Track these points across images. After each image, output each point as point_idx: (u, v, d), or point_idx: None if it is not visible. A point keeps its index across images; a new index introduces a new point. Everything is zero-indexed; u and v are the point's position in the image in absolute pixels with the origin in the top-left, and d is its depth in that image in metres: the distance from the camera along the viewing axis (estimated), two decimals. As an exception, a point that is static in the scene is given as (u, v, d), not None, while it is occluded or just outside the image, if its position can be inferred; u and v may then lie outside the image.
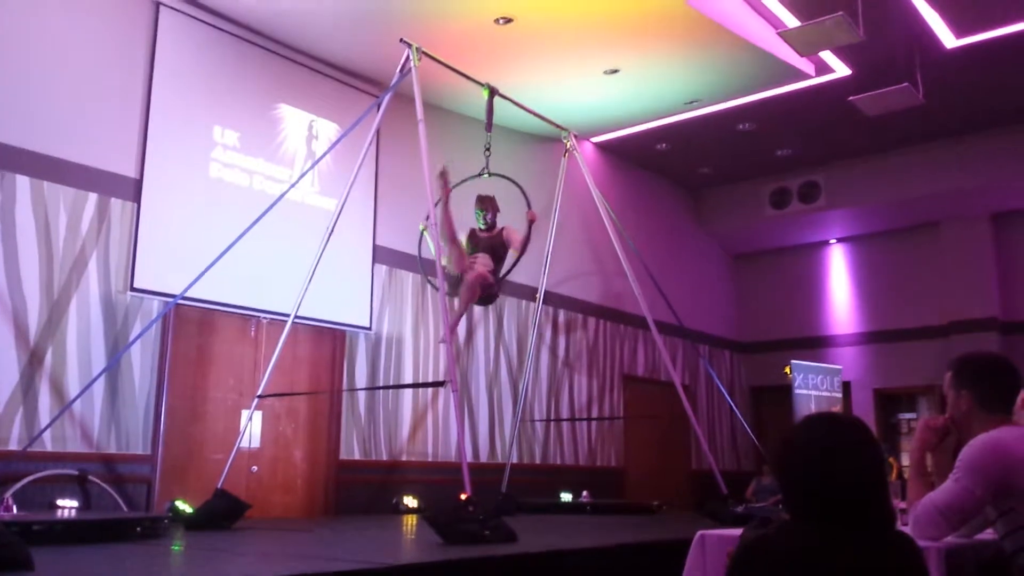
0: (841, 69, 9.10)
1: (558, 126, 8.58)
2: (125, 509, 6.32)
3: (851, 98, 8.81)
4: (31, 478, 5.86)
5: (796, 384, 10.81)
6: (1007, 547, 2.51)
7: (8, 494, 5.55)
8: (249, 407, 6.97)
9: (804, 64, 8.90)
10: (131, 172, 6.85)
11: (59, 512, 5.79)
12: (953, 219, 11.83)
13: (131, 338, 6.53)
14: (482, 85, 7.24)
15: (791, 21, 8.09)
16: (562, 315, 10.49)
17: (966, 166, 10.94)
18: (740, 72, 8.89)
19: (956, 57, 8.72)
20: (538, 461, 9.85)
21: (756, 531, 1.87)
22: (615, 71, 8.79)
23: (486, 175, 7.26)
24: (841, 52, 8.64)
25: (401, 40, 6.66)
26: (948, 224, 11.93)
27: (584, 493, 9.46)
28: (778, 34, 7.73)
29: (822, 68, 9.10)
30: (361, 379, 8.26)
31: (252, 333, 7.61)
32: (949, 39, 8.48)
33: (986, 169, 10.86)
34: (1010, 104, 9.95)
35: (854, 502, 1.65)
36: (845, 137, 10.87)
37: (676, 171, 12.31)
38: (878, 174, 11.51)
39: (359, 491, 8.05)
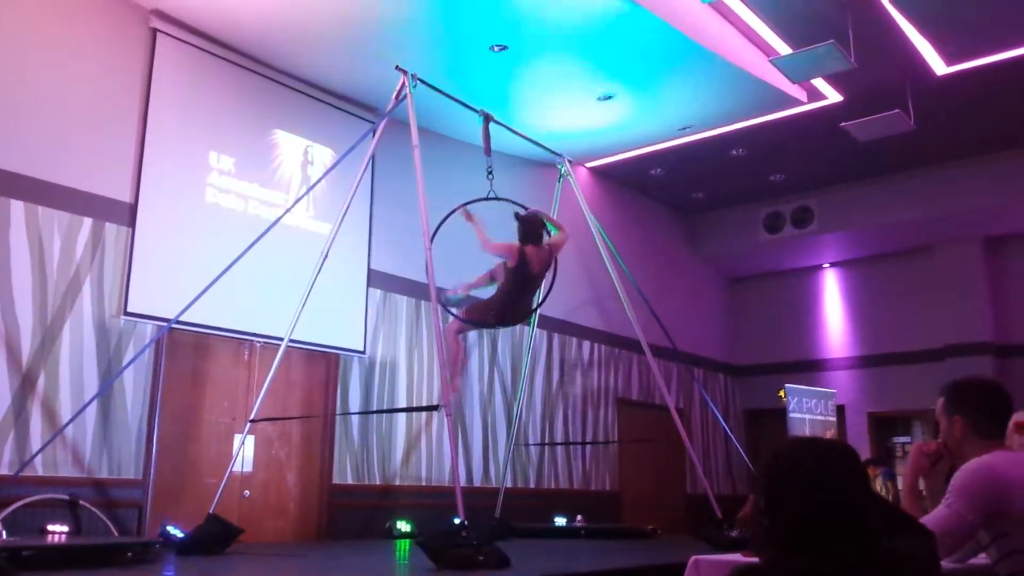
0: (833, 95, 9.18)
1: (553, 152, 8.63)
2: (116, 534, 6.28)
3: (843, 124, 8.88)
4: (22, 503, 5.82)
5: (790, 408, 10.80)
6: (1000, 572, 2.51)
7: (-2, 519, 5.51)
8: (242, 431, 6.94)
9: (796, 91, 8.98)
10: (126, 197, 6.87)
11: (50, 537, 5.74)
12: (945, 243, 11.89)
13: (124, 362, 6.51)
14: (477, 111, 7.28)
15: (783, 49, 8.17)
16: (556, 339, 10.50)
17: (957, 191, 11.02)
18: (733, 98, 8.97)
19: (947, 84, 8.80)
20: (532, 485, 9.82)
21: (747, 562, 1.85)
22: (609, 97, 8.86)
23: (493, 199, 7.26)
24: (833, 79, 8.72)
25: (396, 67, 6.72)
26: (940, 248, 11.98)
27: (579, 517, 9.43)
28: (770, 61, 7.82)
29: (814, 94, 9.18)
30: (355, 403, 8.24)
31: (246, 357, 7.60)
32: (940, 66, 8.57)
33: (977, 193, 10.93)
34: (1000, 129, 10.04)
35: (840, 530, 1.63)
36: (837, 162, 10.94)
37: (670, 196, 12.37)
38: (870, 199, 11.58)
39: (352, 515, 8.01)
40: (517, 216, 6.86)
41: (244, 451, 7.15)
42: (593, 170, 11.23)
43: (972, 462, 2.55)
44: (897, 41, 8.08)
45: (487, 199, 7.27)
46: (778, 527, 1.70)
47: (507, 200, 7.37)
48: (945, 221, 11.34)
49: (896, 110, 8.54)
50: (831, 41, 7.14)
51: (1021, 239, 11.75)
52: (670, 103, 9.10)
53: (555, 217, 9.00)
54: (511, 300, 6.82)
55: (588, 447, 10.72)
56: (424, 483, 8.68)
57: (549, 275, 7.15)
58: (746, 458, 10.12)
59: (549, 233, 7.02)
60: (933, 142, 10.20)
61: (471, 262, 7.59)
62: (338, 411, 8.07)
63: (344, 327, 8.20)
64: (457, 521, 5.12)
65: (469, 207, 7.00)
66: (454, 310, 6.97)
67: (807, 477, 1.67)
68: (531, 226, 6.80)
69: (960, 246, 11.83)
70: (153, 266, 6.88)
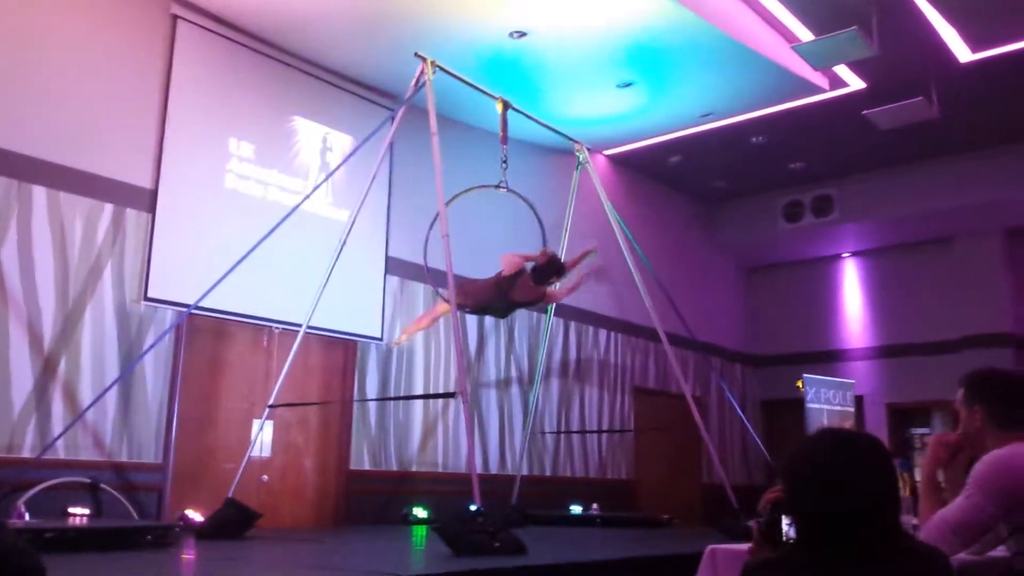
0: (855, 83, 9.08)
1: (571, 139, 8.60)
2: (136, 517, 6.35)
3: (865, 112, 8.80)
4: (43, 486, 5.88)
5: (808, 398, 10.75)
6: (1019, 565, 2.50)
7: (21, 501, 5.59)
8: (260, 416, 6.99)
9: (818, 78, 8.90)
10: (147, 183, 6.91)
11: (71, 520, 5.82)
12: (967, 234, 11.77)
13: (145, 347, 6.57)
14: (495, 99, 7.26)
15: (805, 35, 8.09)
16: (573, 326, 10.49)
17: (980, 181, 10.89)
18: (754, 85, 8.90)
19: (971, 71, 8.69)
20: (548, 473, 9.83)
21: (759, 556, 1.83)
22: (629, 84, 8.81)
23: (504, 189, 7.27)
24: (855, 66, 8.62)
25: (416, 54, 6.72)
26: (962, 239, 11.86)
27: (594, 505, 9.43)
28: (792, 48, 7.75)
29: (836, 82, 9.09)
30: (372, 389, 8.28)
31: (264, 343, 7.64)
32: (964, 53, 8.46)
33: (1000, 184, 10.80)
34: (1025, 119, 9.91)
35: (862, 522, 1.60)
36: (859, 151, 10.84)
37: (689, 184, 12.30)
38: (892, 188, 11.47)
39: (369, 501, 8.06)
40: (547, 256, 6.90)
41: (262, 436, 7.20)
42: (612, 158, 11.19)
43: (992, 454, 2.53)
44: (921, 28, 7.98)
45: (496, 187, 7.28)
46: (794, 514, 1.69)
47: (515, 193, 7.34)
48: (967, 211, 11.22)
49: (919, 98, 8.44)
50: (854, 28, 7.06)
51: (1044, 230, 11.62)
52: (690, 90, 9.03)
53: (572, 205, 9.04)
54: (487, 300, 7.00)
55: (604, 435, 10.72)
56: (441, 470, 8.72)
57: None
58: (763, 448, 10.09)
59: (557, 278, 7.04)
60: (957, 131, 10.08)
61: (488, 248, 7.62)
62: (355, 397, 8.11)
63: (362, 314, 8.22)
64: (473, 508, 5.13)
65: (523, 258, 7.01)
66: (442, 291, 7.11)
67: (822, 469, 1.65)
68: (544, 267, 6.89)
69: (981, 237, 11.71)
70: (173, 252, 6.92)
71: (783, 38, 8.30)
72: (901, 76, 8.66)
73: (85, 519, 5.91)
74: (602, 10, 7.39)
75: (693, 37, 7.82)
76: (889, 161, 11.20)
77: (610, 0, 7.25)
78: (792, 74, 8.57)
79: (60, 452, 6.09)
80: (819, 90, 9.10)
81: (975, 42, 8.30)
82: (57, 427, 6.09)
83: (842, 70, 8.84)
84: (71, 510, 5.96)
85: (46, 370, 6.17)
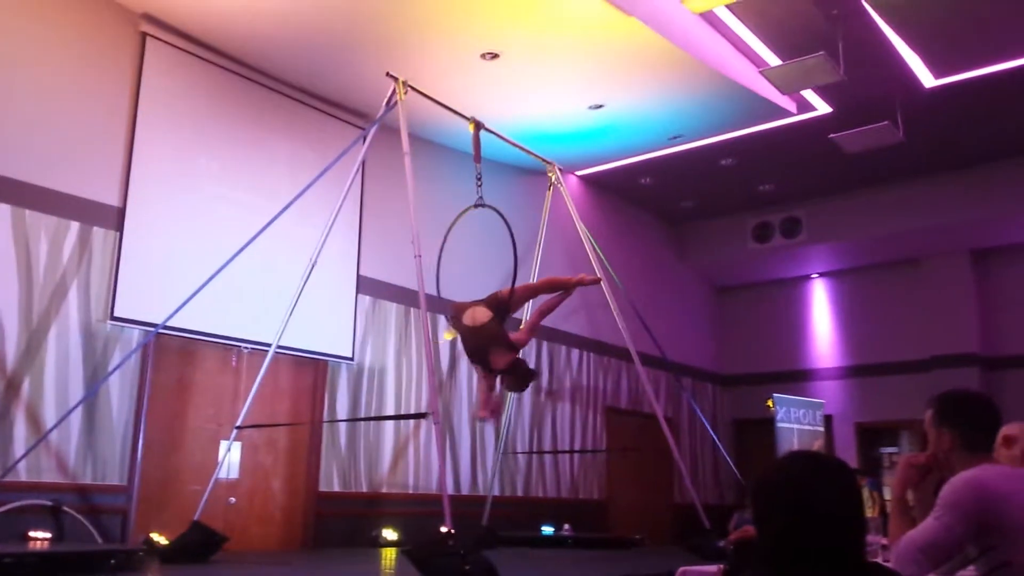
0: (822, 107, 9.22)
1: (543, 159, 8.63)
2: (100, 541, 6.22)
3: (832, 135, 8.92)
4: (4, 509, 5.75)
5: (779, 417, 10.82)
6: (987, 585, 2.51)
7: (-20, 525, 5.46)
8: (228, 437, 6.89)
9: (786, 102, 9.02)
10: (114, 201, 6.83)
11: (31, 544, 5.69)
12: (934, 255, 11.95)
13: (110, 368, 6.46)
14: (467, 119, 7.28)
15: (773, 60, 8.20)
16: (545, 346, 10.49)
17: (946, 203, 11.07)
18: (723, 109, 8.99)
19: (935, 96, 8.86)
20: (520, 493, 9.79)
21: None
22: (600, 106, 8.86)
23: (484, 207, 7.24)
24: (822, 90, 8.76)
25: (388, 74, 6.72)
26: (929, 260, 12.04)
27: (566, 526, 9.40)
28: (760, 72, 7.85)
29: (804, 106, 9.22)
30: (342, 410, 8.20)
31: (233, 363, 7.55)
32: (928, 79, 8.62)
33: (966, 205, 10.99)
34: (988, 142, 10.10)
35: (829, 546, 1.62)
36: (826, 173, 10.98)
37: (659, 205, 12.40)
38: (859, 210, 11.63)
39: (338, 523, 7.96)
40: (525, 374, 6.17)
41: (230, 458, 7.10)
42: (583, 178, 11.24)
43: (961, 475, 2.54)
44: (886, 54, 8.13)
45: (476, 206, 7.25)
46: (762, 538, 1.70)
47: (494, 208, 7.32)
48: (933, 233, 11.39)
49: (885, 122, 8.59)
50: (821, 53, 7.18)
51: (1008, 251, 11.80)
52: (660, 113, 9.11)
53: (544, 225, 9.06)
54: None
55: (576, 456, 10.70)
56: (411, 491, 8.64)
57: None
58: (734, 468, 10.12)
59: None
60: (921, 154, 10.25)
61: (462, 270, 7.59)
62: (326, 418, 8.03)
63: (333, 333, 8.16)
64: (444, 530, 5.09)
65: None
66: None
67: (791, 490, 1.66)
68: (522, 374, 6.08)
69: (948, 258, 11.88)
70: (141, 271, 6.83)
71: (751, 62, 8.41)
72: (867, 101, 8.80)
73: (46, 543, 5.78)
74: (573, 33, 7.44)
75: (663, 61, 7.90)
76: (856, 183, 11.36)
77: (580, 24, 7.30)
78: (760, 98, 8.68)
79: (22, 475, 5.96)
80: (787, 114, 9.22)
81: (938, 68, 8.46)
82: (19, 449, 5.96)
83: (809, 94, 8.97)
84: (32, 534, 5.82)
85: (9, 391, 6.05)
